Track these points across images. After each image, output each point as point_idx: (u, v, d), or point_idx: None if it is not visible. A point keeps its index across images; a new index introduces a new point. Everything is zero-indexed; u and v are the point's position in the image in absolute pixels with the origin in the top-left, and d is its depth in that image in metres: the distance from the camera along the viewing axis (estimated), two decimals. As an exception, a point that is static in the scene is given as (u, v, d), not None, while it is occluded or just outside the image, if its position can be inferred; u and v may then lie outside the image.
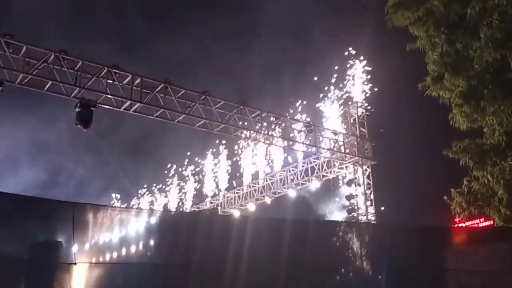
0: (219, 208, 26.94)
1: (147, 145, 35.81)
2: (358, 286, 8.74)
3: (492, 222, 13.91)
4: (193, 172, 29.35)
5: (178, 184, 30.09)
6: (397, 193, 24.29)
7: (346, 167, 21.39)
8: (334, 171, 21.75)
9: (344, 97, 21.80)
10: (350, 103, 21.70)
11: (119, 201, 33.04)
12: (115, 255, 7.77)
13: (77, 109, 14.61)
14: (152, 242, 8.17)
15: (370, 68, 21.45)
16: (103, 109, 15.50)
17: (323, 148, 20.89)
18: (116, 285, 7.43)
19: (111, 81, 15.40)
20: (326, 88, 22.14)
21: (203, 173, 28.52)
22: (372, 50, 22.13)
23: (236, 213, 24.90)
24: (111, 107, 15.74)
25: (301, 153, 22.15)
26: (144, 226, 7.99)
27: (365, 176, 20.92)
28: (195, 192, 29.11)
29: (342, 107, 21.85)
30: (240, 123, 18.06)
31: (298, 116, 21.71)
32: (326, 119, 21.81)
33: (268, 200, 24.34)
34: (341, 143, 21.05)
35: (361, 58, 21.55)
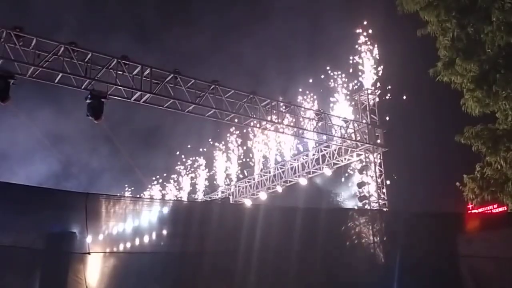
0: (230, 197, 27.06)
1: (159, 136, 35.90)
2: (371, 274, 8.72)
3: (505, 209, 13.81)
4: (205, 162, 29.46)
5: (190, 174, 30.23)
6: (409, 180, 24.18)
7: (358, 154, 21.33)
8: (345, 158, 21.69)
9: (355, 84, 21.70)
10: (360, 90, 21.58)
11: (131, 192, 33.27)
12: (128, 245, 7.83)
13: (87, 101, 14.68)
14: (165, 232, 8.23)
15: (381, 55, 21.29)
16: (114, 101, 15.58)
17: (334, 136, 20.83)
18: (129, 274, 7.49)
19: (121, 72, 15.46)
20: (336, 75, 22.05)
21: (215, 163, 28.62)
22: (383, 36, 21.93)
23: (248, 202, 24.98)
24: (121, 98, 15.81)
25: (312, 141, 22.09)
26: (157, 215, 8.04)
27: (376, 164, 20.85)
28: (207, 184, 29.25)
29: (353, 94, 21.74)
30: (251, 113, 18.04)
31: (309, 105, 21.64)
32: (336, 106, 21.71)
33: (279, 189, 24.34)
34: (351, 130, 20.97)
35: (372, 44, 21.39)
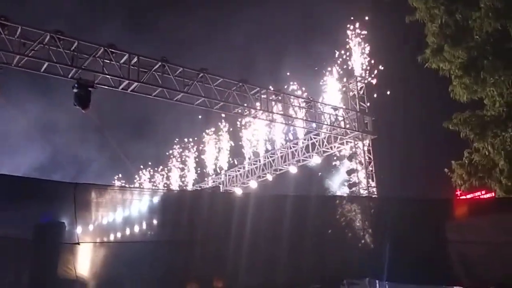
0: (221, 186, 27.05)
1: (148, 125, 35.69)
2: (361, 259, 8.79)
3: (493, 195, 13.96)
4: (194, 151, 29.39)
5: (180, 163, 30.16)
6: (398, 167, 24.30)
7: (347, 142, 21.40)
8: (334, 146, 21.75)
9: (344, 71, 21.69)
10: (350, 77, 21.57)
11: (122, 182, 33.13)
12: (119, 235, 7.80)
13: (74, 90, 14.50)
14: (155, 221, 8.21)
15: (369, 42, 21.27)
16: (101, 90, 15.42)
17: (324, 124, 20.86)
18: (120, 264, 7.47)
19: (108, 61, 15.28)
20: (325, 62, 22.04)
21: (204, 152, 28.55)
22: (372, 23, 21.88)
23: (238, 191, 25.00)
24: (109, 87, 15.65)
25: (301, 129, 22.11)
26: (147, 205, 8.01)
27: (365, 151, 20.94)
28: (197, 173, 29.20)
29: (342, 81, 21.73)
30: (240, 100, 17.99)
31: (298, 93, 21.61)
32: (325, 94, 21.70)
33: (269, 177, 24.39)
34: (341, 118, 21.01)
35: (360, 30, 21.37)
